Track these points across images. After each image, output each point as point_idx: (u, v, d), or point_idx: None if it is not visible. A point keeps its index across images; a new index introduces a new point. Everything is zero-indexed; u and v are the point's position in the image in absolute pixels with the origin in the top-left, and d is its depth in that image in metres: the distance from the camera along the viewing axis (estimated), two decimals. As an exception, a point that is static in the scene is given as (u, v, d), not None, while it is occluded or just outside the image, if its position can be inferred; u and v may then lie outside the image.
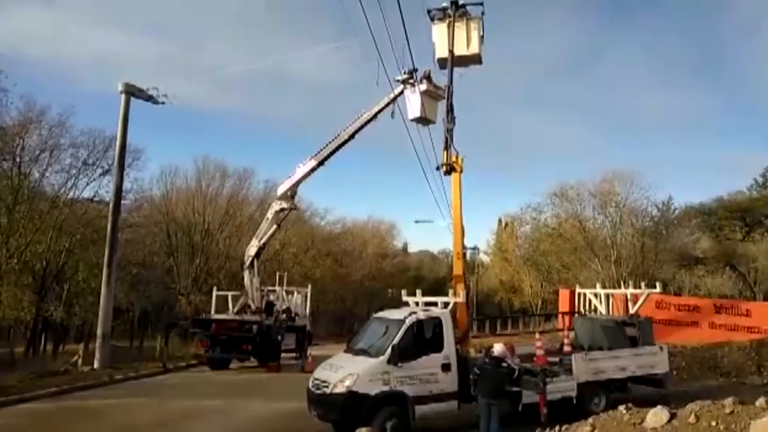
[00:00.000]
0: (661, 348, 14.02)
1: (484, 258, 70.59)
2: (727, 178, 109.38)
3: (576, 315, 17.38)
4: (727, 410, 7.65)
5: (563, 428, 9.30)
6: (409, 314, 11.36)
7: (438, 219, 32.13)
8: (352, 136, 20.12)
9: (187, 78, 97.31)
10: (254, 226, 27.94)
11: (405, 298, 13.13)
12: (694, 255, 44.47)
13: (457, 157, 13.68)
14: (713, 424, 7.43)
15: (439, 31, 14.99)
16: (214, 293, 24.15)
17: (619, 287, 19.91)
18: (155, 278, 39.87)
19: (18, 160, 29.60)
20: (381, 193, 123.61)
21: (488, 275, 66.71)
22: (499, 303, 65.91)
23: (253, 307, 21.66)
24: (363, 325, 13.35)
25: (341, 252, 58.68)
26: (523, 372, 10.89)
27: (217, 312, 23.01)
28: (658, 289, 15.79)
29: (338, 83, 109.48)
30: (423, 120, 16.84)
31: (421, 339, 11.11)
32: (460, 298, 12.41)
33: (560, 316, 34.03)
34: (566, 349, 13.26)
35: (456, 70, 14.60)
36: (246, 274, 22.13)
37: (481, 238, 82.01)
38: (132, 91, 21.97)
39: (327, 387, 10.44)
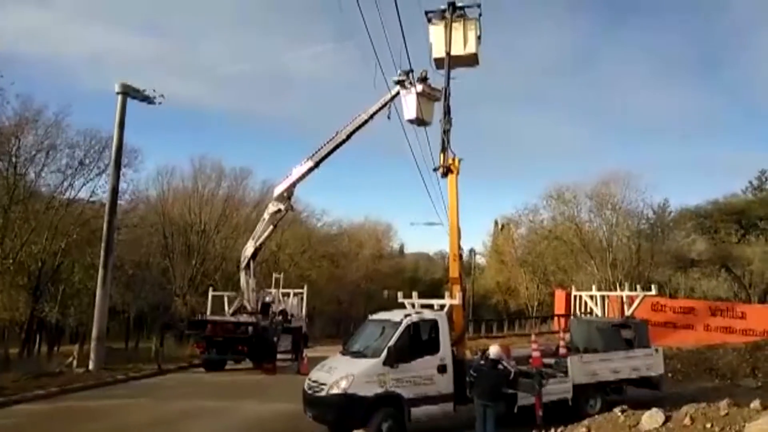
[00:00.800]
0: (656, 350, 14.08)
1: (481, 260, 70.72)
2: (724, 179, 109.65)
3: (572, 317, 17.40)
4: (722, 412, 7.67)
5: (559, 430, 9.31)
6: (405, 316, 11.37)
7: (434, 221, 32.08)
8: (348, 138, 20.13)
9: (184, 77, 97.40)
10: (251, 227, 27.88)
11: (401, 300, 13.14)
12: (689, 257, 44.57)
13: (453, 159, 13.69)
14: (708, 426, 7.44)
15: (436, 31, 15.02)
16: (210, 294, 24.11)
17: (615, 289, 19.92)
18: (151, 279, 39.75)
19: (14, 160, 29.46)
20: (378, 194, 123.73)
21: (484, 277, 66.72)
22: (495, 305, 65.89)
23: (249, 308, 21.64)
24: (359, 326, 13.34)
25: (338, 253, 58.59)
26: (519, 374, 10.90)
27: (213, 313, 22.97)
28: (653, 292, 15.83)
29: (336, 82, 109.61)
30: (419, 121, 16.86)
31: (417, 341, 11.12)
32: (456, 300, 12.41)
33: (556, 318, 34.15)
34: (562, 351, 13.26)
35: (454, 72, 14.62)
36: (242, 275, 22.12)
37: (477, 239, 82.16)
38: (128, 92, 21.94)
39: (323, 388, 10.43)
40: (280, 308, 22.78)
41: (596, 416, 9.42)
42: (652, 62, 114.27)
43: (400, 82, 17.37)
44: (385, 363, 10.38)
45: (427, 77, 16.92)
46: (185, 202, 44.07)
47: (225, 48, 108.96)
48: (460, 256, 14.13)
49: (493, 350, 10.43)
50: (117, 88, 21.81)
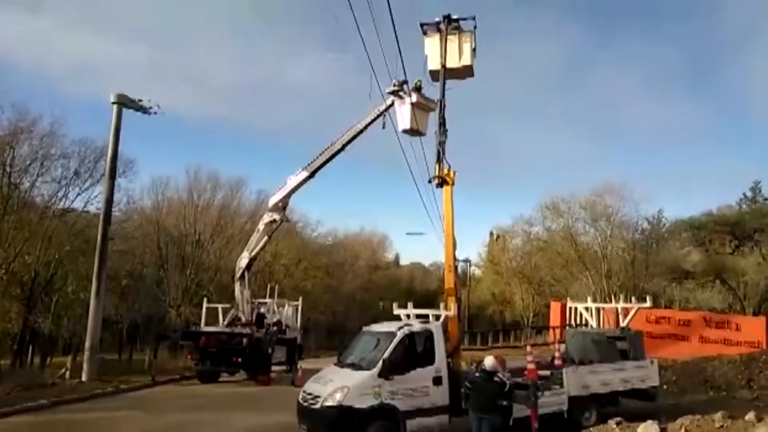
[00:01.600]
0: (651, 362, 14.07)
1: (476, 271, 70.79)
2: (719, 190, 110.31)
3: (567, 328, 17.39)
4: (717, 425, 7.67)
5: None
6: (401, 327, 11.33)
7: (430, 231, 32.19)
8: (343, 148, 20.19)
9: (179, 87, 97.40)
10: (245, 238, 27.86)
11: (396, 311, 13.10)
12: (684, 268, 44.67)
13: (449, 170, 13.71)
14: (704, 438, 7.44)
15: (431, 43, 15.09)
16: (205, 305, 24.01)
17: (610, 300, 19.91)
18: (145, 290, 39.61)
19: (8, 169, 29.41)
20: (373, 204, 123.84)
21: (480, 288, 66.77)
22: (491, 316, 65.92)
23: (243, 319, 21.55)
24: (354, 337, 13.29)
25: (333, 264, 58.57)
26: (514, 386, 10.87)
27: (207, 324, 22.87)
28: (648, 303, 15.84)
29: (332, 92, 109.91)
30: (413, 131, 16.93)
31: (413, 352, 11.08)
32: (452, 312, 12.39)
33: (551, 329, 34.13)
34: (557, 362, 13.23)
35: (448, 82, 14.68)
36: (237, 286, 22.05)
37: (472, 250, 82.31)
38: (124, 102, 21.93)
39: (317, 400, 10.37)
40: (275, 319, 22.70)
41: (592, 428, 9.43)
42: (646, 73, 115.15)
43: (395, 93, 17.46)
44: (380, 375, 10.33)
45: (422, 87, 17.02)
46: (180, 212, 43.95)
47: (220, 57, 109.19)
48: (456, 267, 14.13)
49: (488, 362, 10.39)
50: (112, 98, 21.80)
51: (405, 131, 17.09)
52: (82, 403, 15.90)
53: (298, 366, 20.73)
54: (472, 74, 15.42)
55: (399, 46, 9.48)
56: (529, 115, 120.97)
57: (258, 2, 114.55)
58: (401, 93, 17.27)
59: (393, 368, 10.42)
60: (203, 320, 23.42)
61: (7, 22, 71.29)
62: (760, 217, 46.17)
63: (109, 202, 22.45)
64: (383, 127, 18.71)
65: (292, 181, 21.03)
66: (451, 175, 13.68)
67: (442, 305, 12.91)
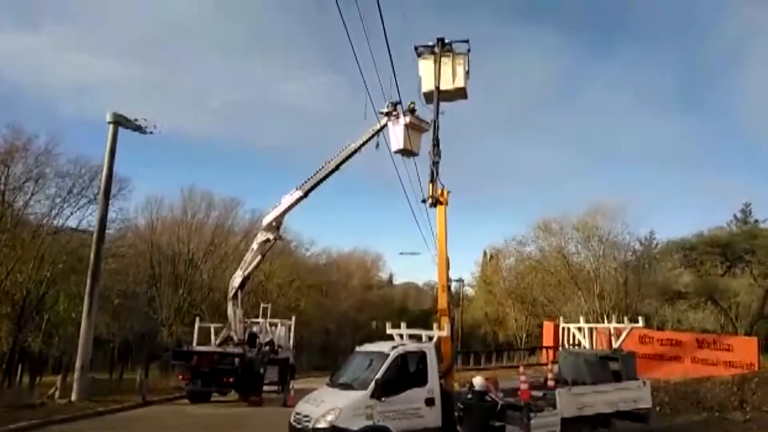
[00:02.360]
0: (644, 383, 14.07)
1: (469, 290, 70.71)
2: (710, 209, 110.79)
3: (560, 349, 17.40)
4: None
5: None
6: (393, 347, 11.33)
7: (423, 251, 32.19)
8: (337, 168, 20.31)
9: (174, 106, 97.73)
10: (239, 257, 27.81)
11: (389, 331, 13.10)
12: (676, 289, 44.73)
13: (442, 191, 13.84)
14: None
15: (425, 65, 15.31)
16: (197, 324, 23.89)
17: (603, 321, 19.97)
18: (137, 308, 39.38)
19: (2, 188, 29.35)
20: (367, 224, 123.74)
21: (473, 307, 66.66)
22: (484, 336, 65.70)
23: (235, 339, 21.44)
24: (347, 357, 13.27)
25: (326, 283, 58.48)
26: (506, 406, 10.86)
27: (199, 344, 22.73)
28: (641, 324, 15.88)
29: (327, 112, 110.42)
30: (406, 152, 17.09)
31: (405, 373, 11.07)
32: (445, 332, 12.40)
33: (544, 350, 34.07)
34: (550, 383, 13.24)
35: (442, 107, 14.86)
36: (229, 305, 21.96)
37: (466, 270, 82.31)
38: (120, 121, 22.01)
39: (309, 422, 10.32)
40: (267, 339, 22.61)
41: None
42: (637, 94, 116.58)
43: (388, 114, 17.65)
44: (372, 396, 10.31)
45: (415, 109, 17.22)
46: (174, 231, 43.90)
47: (215, 77, 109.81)
48: (449, 286, 14.18)
49: (477, 381, 10.42)
50: (108, 118, 21.87)
51: (398, 152, 17.26)
52: (71, 423, 15.75)
53: (290, 386, 20.60)
54: (465, 96, 15.63)
55: (393, 67, 9.63)
56: (523, 136, 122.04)
57: (253, 23, 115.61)
58: (394, 114, 17.48)
59: (385, 389, 10.40)
60: (195, 339, 23.28)
61: (3, 41, 71.67)
62: (751, 239, 46.38)
63: (103, 221, 22.42)
64: (377, 147, 18.93)
65: (286, 201, 21.09)
66: (445, 195, 13.81)
67: (435, 325, 12.93)
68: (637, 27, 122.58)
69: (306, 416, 10.52)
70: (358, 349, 12.71)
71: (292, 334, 24.61)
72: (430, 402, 10.97)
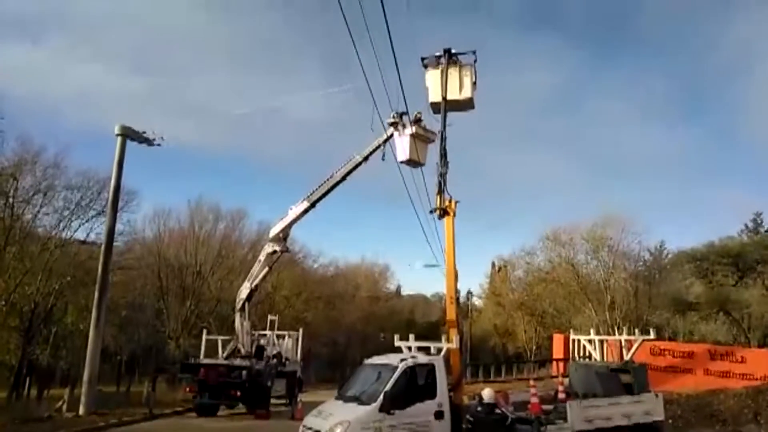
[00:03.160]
0: (656, 395, 13.87)
1: (478, 302, 70.36)
2: (720, 220, 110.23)
3: (570, 361, 17.21)
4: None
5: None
6: (402, 360, 11.21)
7: (431, 261, 32.07)
8: (343, 178, 20.28)
9: (181, 118, 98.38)
10: (246, 269, 27.77)
11: (397, 343, 12.99)
12: (687, 300, 44.33)
13: (450, 202, 13.76)
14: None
15: (432, 76, 15.28)
16: (204, 337, 23.83)
17: (614, 332, 19.76)
18: (144, 321, 39.35)
19: (11, 201, 29.49)
20: (374, 235, 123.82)
21: (482, 319, 66.31)
22: (493, 348, 65.33)
23: (243, 351, 21.35)
24: (355, 370, 13.15)
25: (334, 294, 58.28)
26: (516, 420, 10.71)
27: (206, 356, 22.68)
28: (652, 336, 15.72)
29: (334, 123, 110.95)
30: (412, 162, 17.05)
31: (414, 386, 10.93)
32: (454, 344, 12.27)
33: (554, 362, 33.77)
34: (561, 396, 13.07)
35: (449, 118, 14.82)
36: (237, 317, 21.90)
37: (474, 281, 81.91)
38: (128, 134, 22.09)
39: (317, 436, 10.21)
40: (275, 351, 22.50)
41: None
42: (645, 102, 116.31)
43: (394, 124, 17.62)
44: (381, 409, 10.18)
45: (422, 119, 17.18)
46: (181, 243, 43.96)
47: (221, 89, 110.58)
48: (457, 298, 14.07)
49: (486, 393, 10.29)
50: (116, 130, 21.96)
51: (404, 162, 17.21)
52: (78, 437, 15.70)
53: (298, 399, 20.46)
54: (472, 107, 15.58)
55: (400, 78, 9.60)
56: (531, 147, 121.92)
57: (258, 35, 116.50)
58: (401, 124, 17.44)
59: (394, 402, 10.27)
60: (202, 352, 23.21)
61: (9, 53, 72.51)
62: (763, 249, 46.00)
63: (111, 233, 22.45)
64: (383, 158, 18.88)
65: (293, 212, 21.07)
66: (453, 206, 13.72)
67: (443, 337, 12.80)
68: (644, 36, 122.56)
69: (314, 430, 10.41)
70: (366, 361, 12.60)
71: (299, 347, 24.47)
72: (439, 415, 10.81)
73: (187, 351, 34.60)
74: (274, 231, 21.72)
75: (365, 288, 66.34)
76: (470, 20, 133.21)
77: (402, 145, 17.49)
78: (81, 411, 19.07)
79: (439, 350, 12.01)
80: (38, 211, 31.00)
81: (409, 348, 12.62)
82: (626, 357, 14.87)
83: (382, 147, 18.86)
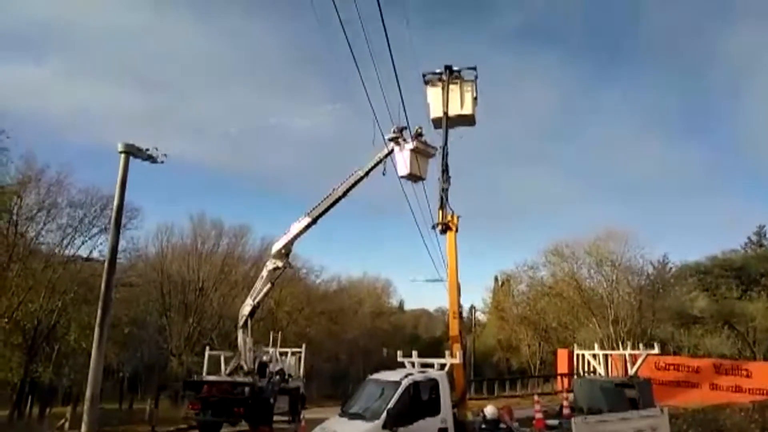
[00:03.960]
0: (661, 410, 13.77)
1: (481, 316, 70.05)
2: (723, 234, 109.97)
3: (575, 376, 17.14)
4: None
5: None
6: (405, 376, 11.18)
7: (434, 276, 31.99)
8: (345, 194, 20.25)
9: (183, 134, 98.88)
10: (249, 285, 27.72)
11: (401, 359, 12.96)
12: (691, 314, 44.13)
13: (452, 216, 13.81)
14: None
15: (433, 92, 15.42)
16: (207, 353, 23.74)
17: (618, 347, 19.71)
18: (147, 338, 39.26)
19: (15, 218, 29.60)
20: (377, 250, 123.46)
21: (485, 334, 65.94)
22: (497, 363, 64.89)
23: (245, 368, 21.23)
24: (358, 386, 13.11)
25: (336, 310, 58.08)
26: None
27: (209, 373, 22.54)
28: (656, 350, 15.67)
29: (335, 138, 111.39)
30: (412, 177, 17.07)
31: (418, 402, 10.89)
32: (457, 359, 12.25)
33: (559, 377, 33.56)
34: (565, 411, 13.02)
35: (451, 135, 14.92)
36: (239, 333, 21.79)
37: (477, 296, 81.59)
38: (131, 151, 22.05)
39: (320, 453, 10.16)
40: (278, 368, 22.37)
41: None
42: (647, 117, 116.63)
43: (395, 139, 17.67)
44: (384, 426, 10.14)
45: (422, 134, 17.24)
46: (184, 259, 43.96)
47: (220, 106, 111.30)
48: (460, 313, 14.04)
49: (489, 410, 10.25)
50: (120, 148, 21.91)
51: (404, 176, 17.24)
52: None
53: (301, 416, 20.30)
54: (473, 122, 15.69)
55: (401, 93, 9.71)
56: (533, 161, 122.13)
57: (260, 52, 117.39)
58: (401, 139, 17.50)
59: (398, 419, 10.23)
60: (205, 369, 23.10)
61: (11, 73, 73.15)
62: (766, 261, 45.91)
63: (114, 250, 22.24)
64: (384, 173, 18.89)
65: (295, 228, 21.05)
66: (455, 220, 13.77)
67: (447, 353, 12.77)
68: (643, 52, 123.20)
69: (318, 447, 10.36)
70: (369, 377, 12.57)
71: (302, 363, 24.35)
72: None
73: (189, 368, 34.46)
74: (276, 247, 21.69)
75: (368, 303, 66.16)
76: (472, 40, 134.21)
77: (403, 160, 17.52)
78: (83, 430, 18.91)
79: (443, 366, 11.99)
80: (41, 229, 31.17)
81: (413, 364, 12.59)
82: (631, 372, 14.81)
83: (383, 162, 18.90)
